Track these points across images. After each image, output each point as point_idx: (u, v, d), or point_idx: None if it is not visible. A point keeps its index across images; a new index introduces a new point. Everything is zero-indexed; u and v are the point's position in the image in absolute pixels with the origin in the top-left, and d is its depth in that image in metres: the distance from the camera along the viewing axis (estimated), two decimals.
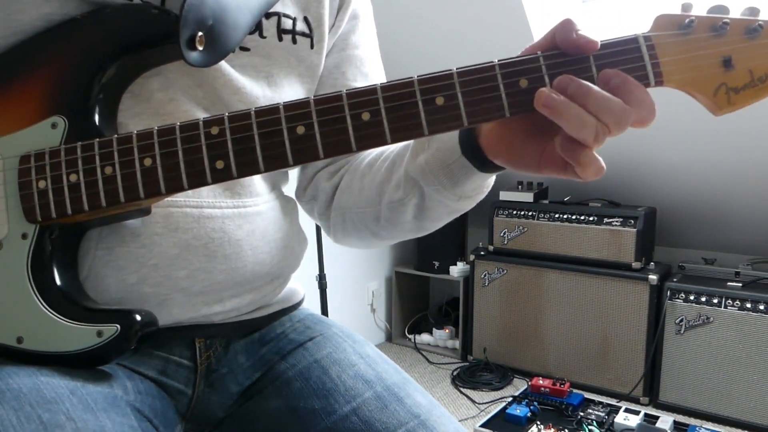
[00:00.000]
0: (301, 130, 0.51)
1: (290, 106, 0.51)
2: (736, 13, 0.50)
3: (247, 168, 0.52)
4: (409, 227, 0.70)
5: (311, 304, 0.82)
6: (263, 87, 0.66)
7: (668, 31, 0.50)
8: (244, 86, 0.64)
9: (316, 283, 2.18)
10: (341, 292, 2.62)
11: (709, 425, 1.98)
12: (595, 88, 0.48)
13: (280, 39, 0.67)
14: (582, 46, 0.49)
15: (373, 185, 0.70)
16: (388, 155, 0.70)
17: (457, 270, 2.72)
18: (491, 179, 0.64)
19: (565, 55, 0.50)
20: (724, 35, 0.49)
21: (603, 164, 0.50)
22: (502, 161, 0.57)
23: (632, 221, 2.24)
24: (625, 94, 0.48)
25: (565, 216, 2.36)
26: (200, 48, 0.56)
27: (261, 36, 0.65)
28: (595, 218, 2.31)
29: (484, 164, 0.58)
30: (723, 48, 0.49)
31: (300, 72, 0.70)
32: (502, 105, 0.50)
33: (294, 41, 0.68)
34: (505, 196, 2.51)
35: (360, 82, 0.76)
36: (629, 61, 0.50)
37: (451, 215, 0.68)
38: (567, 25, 0.49)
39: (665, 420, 1.89)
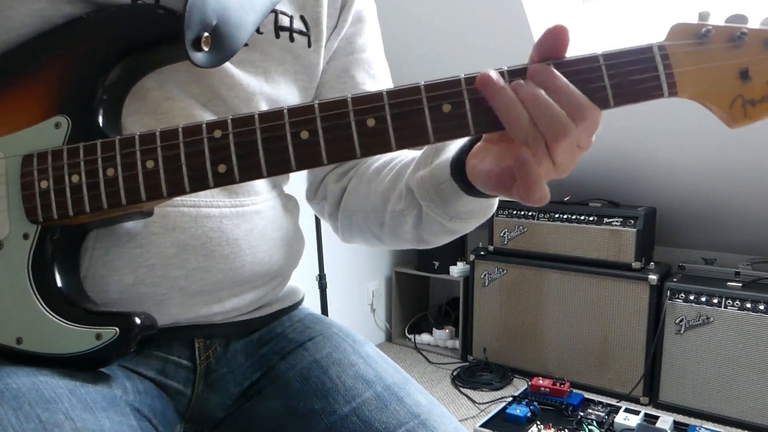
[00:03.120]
0: (305, 135, 0.50)
1: (295, 111, 0.51)
2: (755, 22, 0.48)
3: (250, 172, 0.51)
4: (410, 237, 0.70)
5: (311, 304, 0.82)
6: (261, 83, 0.65)
7: (684, 40, 0.48)
8: (241, 82, 0.63)
9: (316, 283, 2.18)
10: (341, 292, 2.61)
11: (709, 425, 1.98)
12: (543, 94, 0.48)
13: (278, 36, 0.66)
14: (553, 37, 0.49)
15: (378, 192, 0.70)
16: (396, 163, 0.70)
17: (457, 270, 2.72)
18: (485, 204, 0.63)
19: (576, 63, 0.49)
20: (741, 46, 0.48)
21: (546, 194, 0.49)
22: (479, 184, 0.57)
23: (632, 221, 2.24)
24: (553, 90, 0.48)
25: (565, 216, 2.36)
26: (206, 49, 0.55)
27: (258, 32, 0.64)
28: (595, 218, 2.30)
29: (471, 188, 0.58)
30: (740, 59, 0.48)
31: (296, 70, 0.69)
32: None
33: (291, 39, 0.67)
34: None
35: (369, 85, 0.76)
36: (642, 71, 0.48)
37: (449, 234, 0.67)
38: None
39: (665, 420, 1.89)
